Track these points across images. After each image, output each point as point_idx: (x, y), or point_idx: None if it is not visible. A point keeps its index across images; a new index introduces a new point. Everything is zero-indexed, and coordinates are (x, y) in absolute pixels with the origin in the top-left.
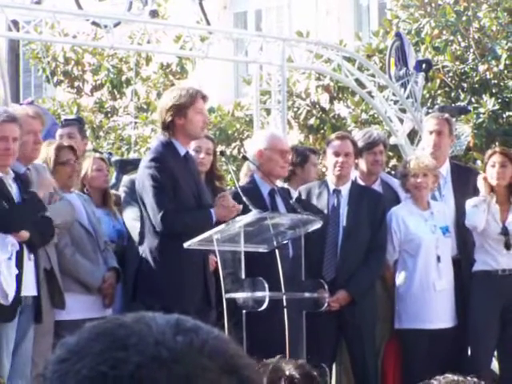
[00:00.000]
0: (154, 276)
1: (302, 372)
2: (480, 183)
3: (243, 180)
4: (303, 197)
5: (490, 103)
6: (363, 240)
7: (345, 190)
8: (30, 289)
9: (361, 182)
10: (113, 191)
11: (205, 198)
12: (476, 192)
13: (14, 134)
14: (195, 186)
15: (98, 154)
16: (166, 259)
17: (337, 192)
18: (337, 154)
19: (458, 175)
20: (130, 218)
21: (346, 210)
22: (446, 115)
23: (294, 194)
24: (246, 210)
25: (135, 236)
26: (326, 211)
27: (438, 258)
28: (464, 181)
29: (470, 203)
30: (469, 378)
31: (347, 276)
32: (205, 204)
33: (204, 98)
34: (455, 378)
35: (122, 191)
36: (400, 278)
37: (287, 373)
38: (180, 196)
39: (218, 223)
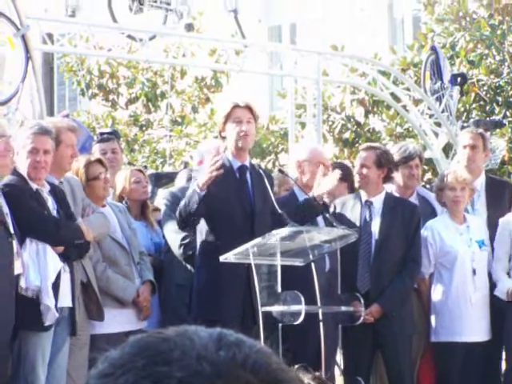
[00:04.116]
0: (199, 291)
1: (319, 382)
2: None
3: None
4: (338, 209)
5: None
6: (397, 252)
7: (378, 201)
8: (66, 300)
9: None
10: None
11: (258, 208)
12: (511, 205)
13: (45, 147)
14: (247, 197)
15: (135, 166)
16: (209, 273)
17: (368, 203)
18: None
19: (492, 189)
20: (171, 231)
21: (378, 222)
22: (481, 130)
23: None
24: (283, 223)
25: (175, 249)
26: (358, 223)
27: (474, 272)
28: (499, 194)
29: (500, 274)
30: None
31: (381, 288)
32: (257, 213)
33: (239, 106)
34: None
35: (162, 204)
36: (436, 291)
37: (306, 381)
38: (218, 206)
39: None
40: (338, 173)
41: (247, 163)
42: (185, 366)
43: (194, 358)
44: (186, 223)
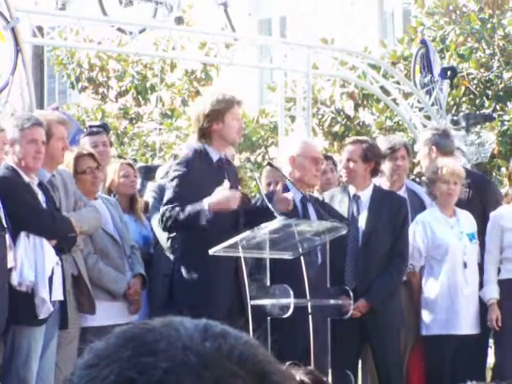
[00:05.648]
0: (184, 282)
1: (312, 378)
2: None
3: (265, 184)
4: (326, 202)
5: None
6: (384, 245)
7: (365, 195)
8: (58, 293)
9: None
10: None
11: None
12: (498, 204)
13: (42, 138)
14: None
15: (124, 160)
16: (194, 265)
17: (356, 198)
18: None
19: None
20: (159, 224)
21: (365, 216)
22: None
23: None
24: (271, 217)
25: (163, 242)
26: (346, 217)
27: (465, 265)
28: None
29: (490, 284)
30: None
31: (368, 283)
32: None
33: (239, 103)
34: None
35: (150, 197)
36: (427, 284)
37: (298, 378)
38: (200, 198)
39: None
40: (291, 195)
41: (223, 155)
42: (170, 357)
43: (180, 349)
44: (177, 230)
